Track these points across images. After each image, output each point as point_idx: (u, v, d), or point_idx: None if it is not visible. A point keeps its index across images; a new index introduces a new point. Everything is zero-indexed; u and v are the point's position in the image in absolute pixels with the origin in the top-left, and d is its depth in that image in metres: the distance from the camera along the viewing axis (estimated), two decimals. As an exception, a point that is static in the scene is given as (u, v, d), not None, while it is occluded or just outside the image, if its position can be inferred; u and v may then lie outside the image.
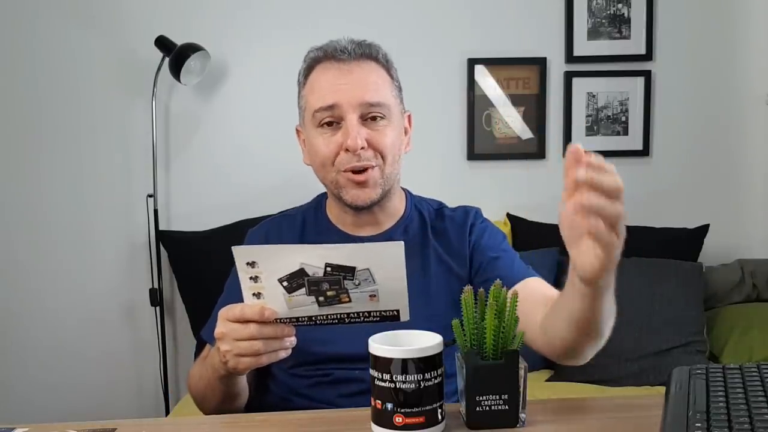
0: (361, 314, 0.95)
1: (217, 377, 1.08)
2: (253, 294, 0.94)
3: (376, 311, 0.95)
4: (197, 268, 2.48)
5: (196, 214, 2.62)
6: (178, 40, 2.45)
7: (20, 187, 2.62)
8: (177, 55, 2.41)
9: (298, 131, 1.31)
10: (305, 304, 0.94)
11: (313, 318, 0.96)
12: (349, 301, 0.94)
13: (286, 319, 0.96)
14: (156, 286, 2.57)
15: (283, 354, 0.98)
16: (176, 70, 2.42)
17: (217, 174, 2.65)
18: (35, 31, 2.58)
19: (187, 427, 1.03)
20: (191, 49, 2.42)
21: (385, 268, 0.92)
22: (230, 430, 1.01)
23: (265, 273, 0.93)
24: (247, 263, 0.92)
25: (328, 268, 0.91)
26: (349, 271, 0.92)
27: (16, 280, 2.63)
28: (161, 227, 2.58)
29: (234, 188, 2.64)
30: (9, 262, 2.63)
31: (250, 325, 0.95)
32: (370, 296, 0.93)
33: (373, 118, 1.19)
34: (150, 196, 2.55)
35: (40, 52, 2.59)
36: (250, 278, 0.94)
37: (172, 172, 2.65)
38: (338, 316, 0.96)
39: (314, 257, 0.91)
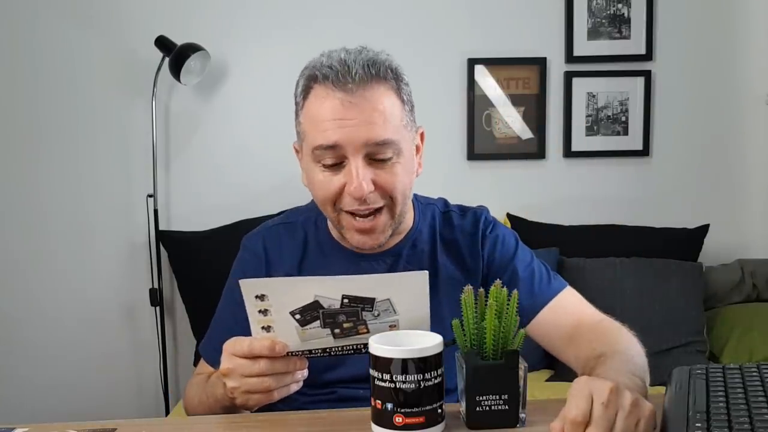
0: None
1: (219, 407, 1.04)
2: (263, 327, 0.89)
3: None
4: (197, 268, 2.48)
5: (196, 214, 2.62)
6: (178, 40, 2.45)
7: (20, 187, 2.62)
8: (177, 55, 2.41)
9: (295, 149, 1.19)
10: (320, 337, 0.89)
11: (328, 350, 0.91)
12: (368, 332, 0.90)
13: (298, 351, 0.91)
14: (156, 286, 2.57)
15: (295, 387, 0.93)
16: (176, 70, 2.42)
17: (217, 174, 2.65)
18: (35, 31, 2.58)
19: (187, 427, 1.03)
20: (191, 49, 2.42)
21: (407, 298, 0.88)
22: (230, 430, 1.00)
23: (275, 306, 0.87)
24: (256, 296, 0.87)
25: (345, 300, 0.87)
26: (368, 302, 0.87)
27: (16, 280, 2.64)
28: (161, 227, 2.58)
29: (234, 188, 2.64)
30: (9, 262, 2.63)
31: (259, 361, 0.89)
32: (390, 326, 0.90)
33: (381, 158, 1.06)
34: (150, 196, 2.55)
35: (40, 52, 2.59)
36: (260, 311, 0.88)
37: (172, 172, 2.65)
38: (354, 347, 0.92)
39: (330, 289, 0.86)
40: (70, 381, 2.65)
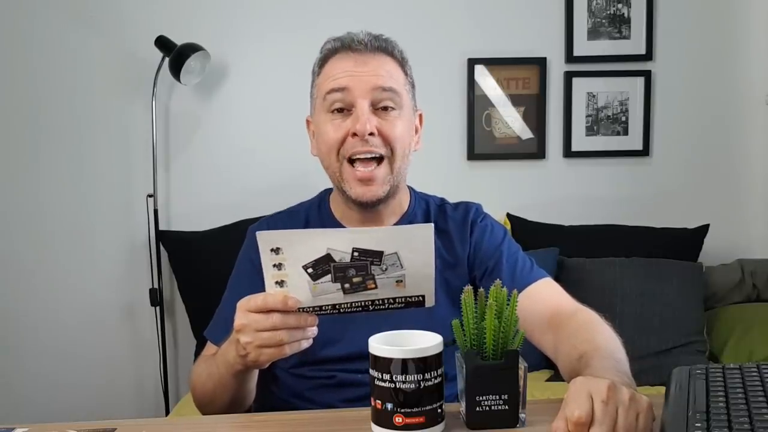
0: (386, 301, 0.93)
1: (231, 374, 1.05)
2: (276, 282, 0.91)
3: (401, 297, 0.93)
4: (197, 268, 2.48)
5: (196, 214, 2.62)
6: (178, 40, 2.45)
7: (21, 187, 2.62)
8: (177, 55, 2.41)
9: (308, 122, 1.29)
10: (330, 292, 0.92)
11: (337, 306, 0.93)
12: (375, 287, 0.92)
13: (309, 308, 0.93)
14: (156, 286, 2.57)
15: (305, 344, 0.96)
16: (176, 70, 2.42)
17: (217, 174, 2.65)
18: (35, 31, 2.58)
19: (187, 427, 1.03)
20: (191, 49, 2.42)
21: (413, 251, 0.90)
22: (229, 430, 1.01)
23: (289, 260, 0.90)
24: (272, 249, 0.89)
25: (356, 253, 0.89)
26: (377, 256, 0.89)
27: (17, 280, 2.64)
28: (161, 227, 2.58)
29: (234, 188, 2.64)
30: (9, 262, 2.63)
31: (272, 314, 0.92)
32: (397, 282, 0.92)
33: (385, 108, 1.17)
34: (150, 196, 2.55)
35: (40, 53, 2.59)
36: (274, 266, 0.91)
37: (172, 172, 2.65)
38: (362, 304, 0.93)
39: (341, 242, 0.89)
40: (70, 381, 2.65)
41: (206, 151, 2.65)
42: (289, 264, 0.90)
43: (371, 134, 1.15)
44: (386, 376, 0.86)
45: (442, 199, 1.33)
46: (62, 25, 2.58)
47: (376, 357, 0.87)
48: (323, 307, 0.93)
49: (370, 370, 0.88)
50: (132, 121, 2.62)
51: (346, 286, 0.91)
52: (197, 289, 2.48)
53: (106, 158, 2.63)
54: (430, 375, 0.86)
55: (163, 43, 2.46)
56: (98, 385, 2.66)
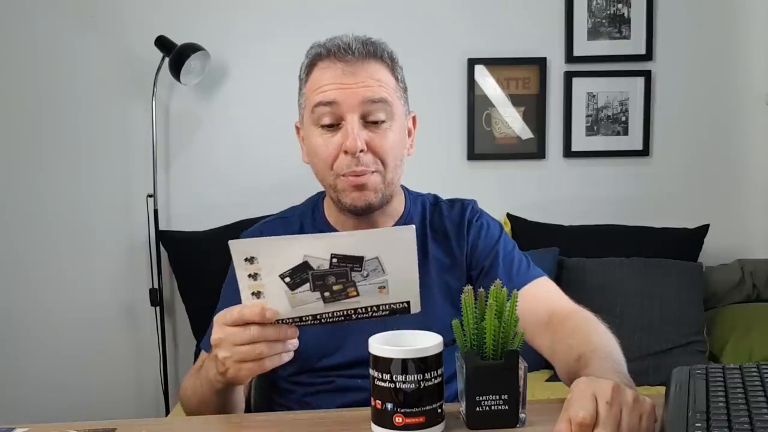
0: (369, 309, 0.91)
1: (213, 392, 1.02)
2: (252, 293, 0.89)
3: (385, 305, 0.91)
4: (197, 268, 2.48)
5: (196, 214, 2.62)
6: (178, 40, 2.45)
7: (20, 187, 2.62)
8: (177, 55, 2.41)
9: (297, 128, 1.27)
10: (309, 301, 0.89)
11: (318, 316, 0.90)
12: (357, 295, 0.89)
13: (289, 319, 0.90)
14: (156, 286, 2.57)
15: (287, 357, 0.93)
16: (176, 70, 2.42)
17: (217, 174, 2.65)
18: (35, 31, 2.58)
19: (187, 427, 1.03)
20: (191, 49, 2.42)
21: (395, 255, 0.87)
22: (230, 430, 1.01)
23: (265, 269, 0.87)
24: (246, 259, 0.86)
25: (335, 259, 0.86)
26: (357, 262, 0.86)
27: (17, 280, 2.64)
28: (161, 227, 2.58)
29: (234, 188, 2.64)
30: (9, 261, 2.63)
31: (250, 327, 0.89)
32: (380, 288, 0.89)
33: (375, 122, 1.14)
34: (150, 196, 2.55)
35: (40, 52, 2.59)
36: (249, 276, 0.88)
37: (172, 172, 2.65)
38: (345, 313, 0.91)
39: (319, 248, 0.86)
40: (70, 381, 2.64)
41: (206, 151, 2.65)
42: (265, 273, 0.87)
43: (362, 151, 1.12)
44: (386, 376, 0.86)
45: (436, 197, 1.32)
46: (62, 25, 2.58)
47: (376, 357, 0.87)
48: (303, 318, 0.90)
49: (370, 370, 0.88)
50: (132, 121, 2.62)
51: (326, 294, 0.88)
52: (197, 289, 2.48)
53: (106, 158, 2.63)
54: (430, 375, 0.86)
55: (163, 43, 2.46)
56: (98, 385, 2.66)
